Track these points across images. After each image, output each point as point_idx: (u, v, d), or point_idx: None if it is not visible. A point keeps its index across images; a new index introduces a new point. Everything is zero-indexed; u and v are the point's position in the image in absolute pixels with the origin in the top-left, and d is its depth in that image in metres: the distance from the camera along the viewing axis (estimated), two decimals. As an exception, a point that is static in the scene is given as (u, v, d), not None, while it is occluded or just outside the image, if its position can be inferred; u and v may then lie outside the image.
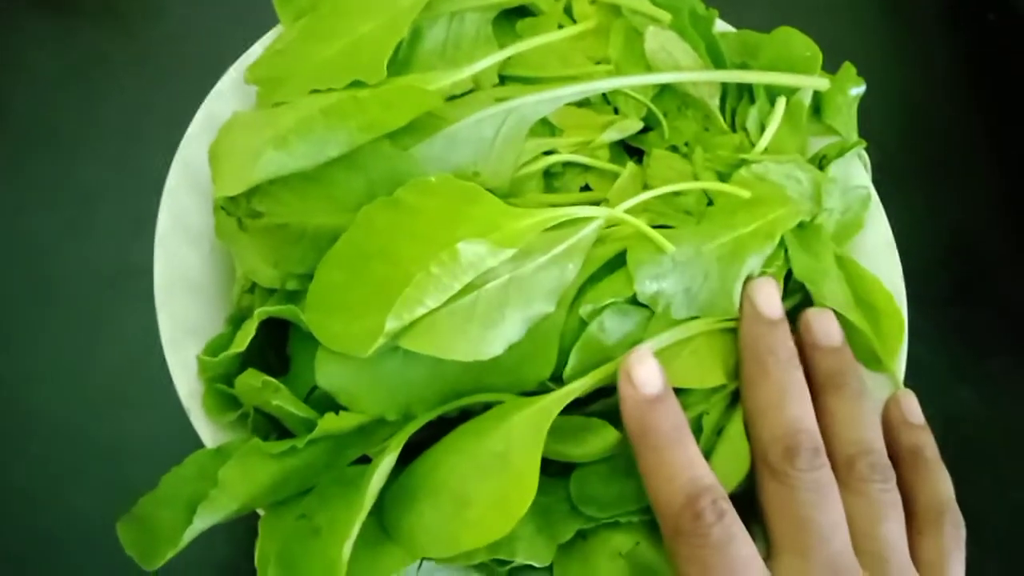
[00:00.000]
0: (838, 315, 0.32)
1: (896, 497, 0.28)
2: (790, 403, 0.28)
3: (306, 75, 0.31)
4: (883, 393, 0.33)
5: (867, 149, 0.37)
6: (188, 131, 0.34)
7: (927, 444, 0.31)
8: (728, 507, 0.26)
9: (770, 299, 0.30)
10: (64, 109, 0.49)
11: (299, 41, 0.33)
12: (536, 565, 0.27)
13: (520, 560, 0.27)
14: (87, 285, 0.45)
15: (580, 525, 0.28)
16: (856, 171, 0.36)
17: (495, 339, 0.27)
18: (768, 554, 0.27)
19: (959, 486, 0.47)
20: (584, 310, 0.29)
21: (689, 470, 0.26)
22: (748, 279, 0.31)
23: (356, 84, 0.30)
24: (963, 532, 0.29)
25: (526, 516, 0.25)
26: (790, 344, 0.29)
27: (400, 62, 0.32)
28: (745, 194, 0.31)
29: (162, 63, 0.51)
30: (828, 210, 0.34)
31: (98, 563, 0.38)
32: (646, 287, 0.29)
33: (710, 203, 0.33)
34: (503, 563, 0.28)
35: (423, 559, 0.28)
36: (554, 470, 0.28)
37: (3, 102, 0.49)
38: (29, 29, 0.51)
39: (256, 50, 0.36)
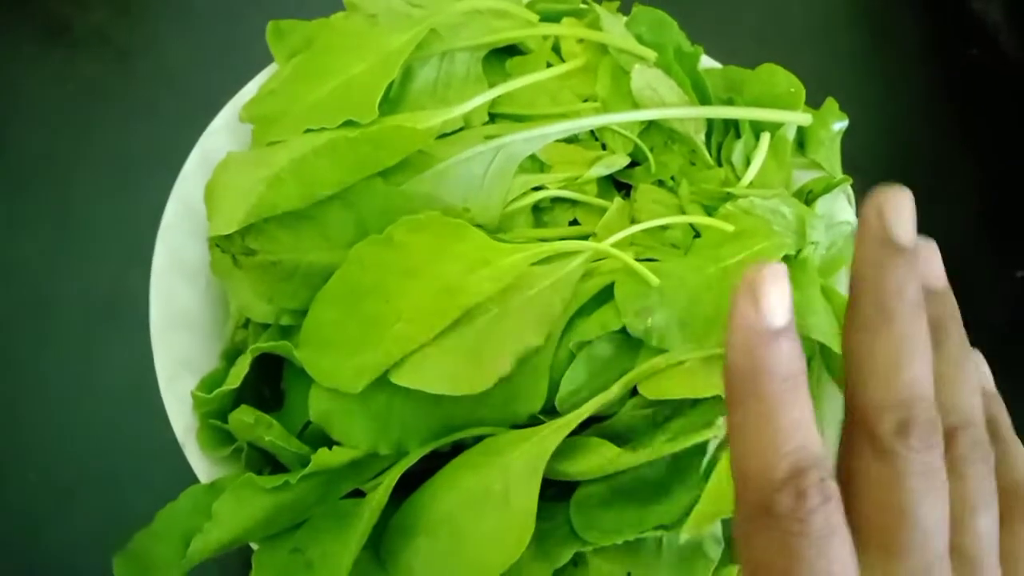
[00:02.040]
0: (825, 347, 0.33)
1: (994, 483, 0.23)
2: (911, 361, 0.22)
3: (299, 114, 0.32)
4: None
5: (851, 178, 0.38)
6: (184, 168, 0.35)
7: (1003, 418, 0.26)
8: (835, 491, 0.21)
9: (903, 216, 0.22)
10: (60, 139, 0.49)
11: (292, 80, 0.34)
12: None
13: None
14: (83, 313, 0.45)
15: (578, 548, 0.28)
16: (841, 206, 0.37)
17: (485, 373, 0.28)
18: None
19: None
20: (574, 344, 0.29)
21: (799, 435, 0.21)
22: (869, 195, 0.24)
23: (348, 123, 0.31)
24: None
25: None
26: (919, 287, 0.22)
27: (392, 101, 0.33)
28: (729, 228, 0.32)
29: (158, 95, 0.51)
30: (814, 243, 0.34)
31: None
32: (636, 323, 0.29)
33: (696, 236, 0.33)
34: None
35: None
36: (551, 493, 0.29)
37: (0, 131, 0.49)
38: (27, 60, 0.51)
39: (251, 88, 0.37)
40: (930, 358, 0.22)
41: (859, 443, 0.22)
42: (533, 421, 0.29)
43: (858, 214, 0.39)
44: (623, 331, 0.30)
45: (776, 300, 0.21)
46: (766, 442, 0.21)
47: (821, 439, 0.21)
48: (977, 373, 0.24)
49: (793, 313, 0.21)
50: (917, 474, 0.21)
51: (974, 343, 0.52)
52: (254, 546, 0.28)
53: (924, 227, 0.59)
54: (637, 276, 0.30)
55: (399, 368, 0.27)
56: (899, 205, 0.22)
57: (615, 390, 0.29)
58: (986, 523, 0.23)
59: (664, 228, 0.33)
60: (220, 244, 0.30)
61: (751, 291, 0.21)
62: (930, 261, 0.25)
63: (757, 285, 0.21)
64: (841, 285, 0.36)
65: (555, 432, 0.28)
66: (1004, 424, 0.26)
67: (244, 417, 0.28)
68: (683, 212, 0.34)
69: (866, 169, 0.38)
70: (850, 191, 0.39)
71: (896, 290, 0.22)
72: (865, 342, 0.22)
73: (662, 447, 0.29)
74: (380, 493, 0.27)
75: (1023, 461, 0.25)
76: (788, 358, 0.21)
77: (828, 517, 0.20)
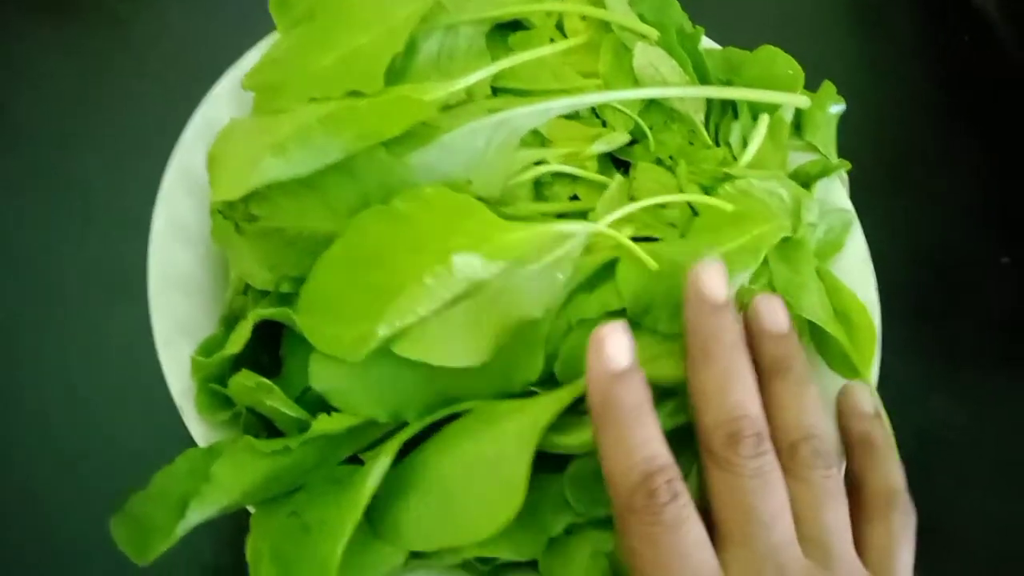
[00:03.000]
0: (816, 326, 0.33)
1: (839, 484, 0.28)
2: (733, 388, 0.27)
3: (303, 83, 0.32)
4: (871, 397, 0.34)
5: (848, 163, 0.38)
6: (184, 135, 0.35)
7: (877, 432, 0.31)
8: (683, 489, 0.26)
9: (714, 282, 0.28)
10: (61, 112, 0.49)
11: (296, 49, 0.34)
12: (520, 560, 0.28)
13: (505, 557, 0.28)
14: (82, 282, 0.45)
15: (570, 520, 0.29)
16: (838, 192, 0.37)
17: (484, 346, 0.28)
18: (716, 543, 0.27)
19: (931, 497, 0.48)
20: (576, 321, 0.30)
21: (647, 447, 0.26)
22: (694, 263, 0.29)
23: (353, 93, 0.31)
24: (913, 520, 0.29)
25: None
26: (736, 328, 0.28)
27: (396, 73, 0.33)
28: (728, 207, 0.32)
29: (160, 68, 0.51)
30: (811, 225, 0.35)
31: (94, 560, 0.39)
32: (635, 306, 0.30)
33: (695, 215, 0.33)
34: (486, 561, 0.28)
35: (409, 558, 0.28)
36: (546, 467, 0.29)
37: (1, 105, 0.49)
38: (28, 34, 0.51)
39: (253, 56, 0.37)
40: (753, 385, 0.28)
41: (705, 460, 0.28)
42: (529, 392, 0.30)
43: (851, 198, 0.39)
44: (621, 312, 0.31)
45: (616, 349, 0.27)
46: (623, 456, 0.26)
47: (668, 450, 0.26)
48: (816, 399, 0.29)
49: (635, 356, 0.27)
50: (749, 476, 0.26)
51: (965, 330, 0.53)
52: (251, 509, 0.29)
53: (916, 216, 0.60)
54: (637, 259, 0.31)
55: (401, 340, 0.27)
56: (710, 273, 0.29)
57: None
58: (832, 517, 0.27)
59: (662, 207, 0.34)
60: (222, 210, 0.30)
61: (596, 346, 0.27)
62: (774, 312, 0.30)
63: (601, 340, 0.27)
64: (837, 269, 0.36)
65: (551, 404, 0.29)
66: (879, 438, 0.31)
67: (245, 381, 0.28)
68: (681, 191, 0.34)
69: (858, 158, 0.39)
70: (845, 176, 0.39)
71: (713, 335, 0.28)
72: (696, 378, 0.28)
73: (669, 421, 0.30)
74: (380, 462, 0.27)
75: (894, 468, 0.30)
76: (633, 392, 0.27)
77: (678, 510, 0.25)
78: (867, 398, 0.32)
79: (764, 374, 0.29)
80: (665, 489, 0.25)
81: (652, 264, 0.30)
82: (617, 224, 0.31)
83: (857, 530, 0.28)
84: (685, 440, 0.29)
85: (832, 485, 0.27)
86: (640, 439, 0.26)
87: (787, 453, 0.28)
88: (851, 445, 0.31)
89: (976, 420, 0.50)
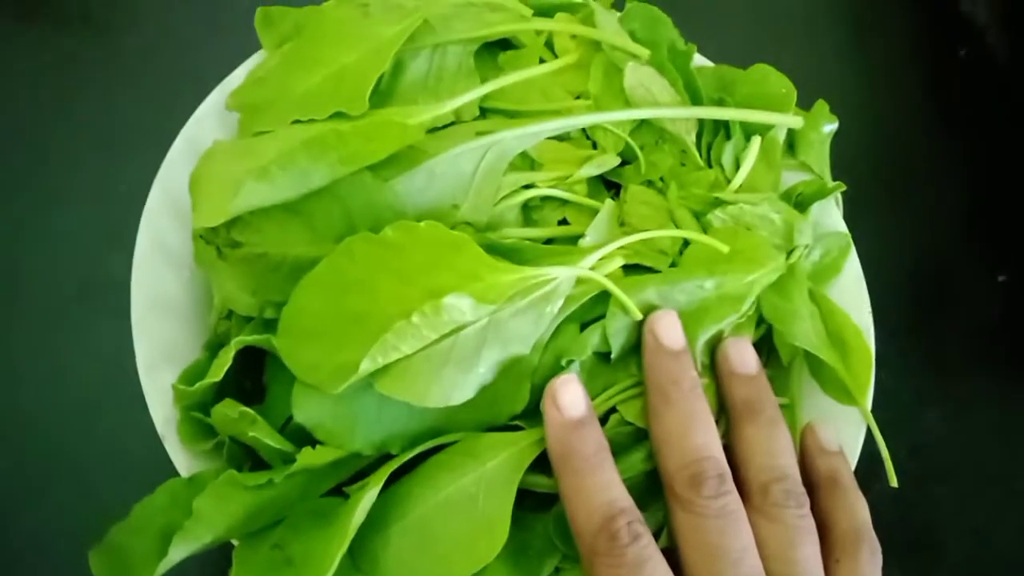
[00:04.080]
0: (809, 355, 0.33)
1: (811, 523, 0.29)
2: (694, 432, 0.28)
3: (288, 104, 0.32)
4: (855, 427, 0.34)
5: (838, 180, 0.38)
6: (168, 155, 0.34)
7: (843, 470, 0.32)
8: (644, 530, 0.26)
9: (671, 330, 0.30)
10: (38, 116, 0.49)
11: (281, 69, 0.33)
12: None
13: None
14: (57, 295, 0.44)
15: (558, 561, 0.28)
16: (832, 214, 0.37)
17: (468, 383, 0.28)
18: None
19: (926, 511, 0.48)
20: (565, 362, 0.30)
21: (607, 492, 0.27)
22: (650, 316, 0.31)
23: (338, 115, 0.31)
24: (879, 558, 0.30)
25: (502, 556, 0.26)
26: (692, 374, 0.29)
27: (382, 93, 0.32)
28: (724, 248, 0.32)
29: (138, 73, 0.50)
30: (804, 248, 0.34)
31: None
32: (620, 352, 0.30)
33: (686, 243, 0.33)
34: None
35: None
36: (531, 504, 0.29)
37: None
38: (12, 44, 0.50)
39: (238, 74, 0.36)
40: (713, 427, 0.29)
41: (670, 504, 0.28)
42: (514, 424, 0.29)
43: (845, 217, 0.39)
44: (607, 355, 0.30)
45: (570, 399, 0.28)
46: (584, 502, 0.27)
47: (627, 494, 0.27)
48: (787, 440, 0.30)
49: (590, 405, 0.28)
50: (714, 516, 0.27)
51: (957, 344, 0.53)
52: (234, 541, 0.28)
53: (909, 229, 0.59)
54: (624, 305, 0.30)
55: (383, 376, 0.27)
56: (666, 323, 0.30)
57: (596, 405, 0.30)
58: (804, 553, 0.28)
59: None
60: (204, 235, 0.30)
61: (552, 398, 0.28)
62: (742, 353, 0.31)
63: (555, 392, 0.28)
64: (830, 291, 0.36)
65: (534, 444, 0.29)
66: (845, 476, 0.31)
67: (228, 411, 0.28)
68: (672, 217, 0.34)
69: (852, 170, 0.39)
70: (838, 195, 0.39)
71: (672, 381, 0.29)
72: (658, 424, 0.29)
73: (639, 464, 0.30)
74: (367, 496, 0.27)
75: (860, 507, 0.31)
76: (590, 439, 0.28)
77: (640, 550, 0.26)
78: (832, 436, 0.33)
79: (734, 417, 0.30)
80: (626, 531, 0.26)
81: (637, 315, 0.30)
82: (607, 259, 0.31)
83: (825, 568, 0.29)
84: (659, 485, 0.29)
85: (805, 524, 0.28)
86: (599, 484, 0.27)
87: (758, 494, 0.28)
88: (817, 484, 0.31)
89: (970, 434, 0.50)
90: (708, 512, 0.27)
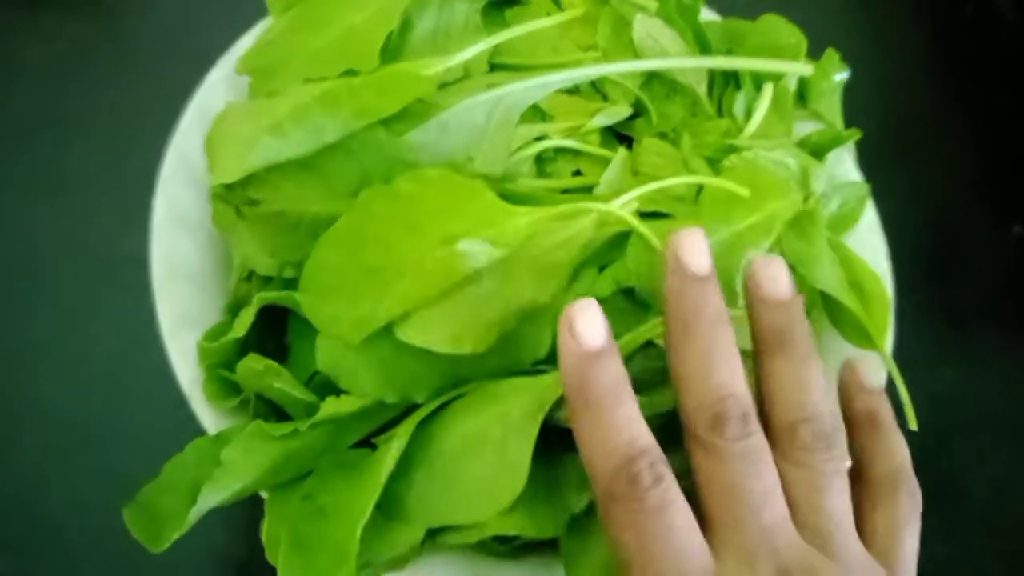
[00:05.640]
0: (829, 298, 0.33)
1: (841, 467, 0.26)
2: (716, 367, 0.25)
3: (299, 64, 0.32)
4: (875, 371, 0.33)
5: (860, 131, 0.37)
6: (181, 122, 0.35)
7: (883, 409, 0.30)
8: (667, 471, 0.24)
9: (696, 251, 0.26)
10: (53, 101, 0.49)
11: (290, 31, 0.34)
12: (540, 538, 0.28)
13: (525, 535, 0.27)
14: (80, 275, 0.45)
15: (590, 497, 0.28)
16: (848, 164, 0.37)
17: (489, 331, 0.28)
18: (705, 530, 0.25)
19: (946, 464, 0.48)
20: None
21: (627, 430, 0.24)
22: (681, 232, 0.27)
23: (349, 73, 0.31)
24: (919, 501, 0.28)
25: (533, 493, 0.26)
26: (719, 303, 0.26)
27: (391, 52, 0.32)
28: (745, 192, 0.31)
29: (150, 55, 0.51)
30: (823, 196, 0.34)
31: (96, 550, 0.38)
32: (646, 287, 0.29)
33: (700, 189, 0.33)
34: (505, 541, 0.28)
35: (426, 539, 0.28)
36: (566, 443, 0.28)
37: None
38: (16, 22, 0.50)
39: (245, 41, 0.36)
40: (738, 361, 0.25)
41: (690, 444, 0.26)
42: (537, 369, 0.30)
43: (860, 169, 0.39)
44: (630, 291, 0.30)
45: (588, 327, 0.25)
46: (601, 440, 0.24)
47: (649, 432, 0.25)
48: (818, 375, 0.27)
49: (610, 335, 0.25)
50: (737, 458, 0.25)
51: (973, 298, 0.53)
52: (264, 495, 0.28)
53: (921, 185, 0.59)
54: (646, 238, 0.30)
55: (404, 325, 0.27)
56: (691, 242, 0.26)
57: (625, 344, 0.29)
58: (833, 502, 0.25)
59: (668, 181, 0.33)
60: (222, 195, 0.30)
61: (568, 325, 0.25)
62: (777, 276, 0.27)
63: (571, 319, 0.25)
64: (847, 240, 0.36)
65: (556, 384, 0.28)
66: (884, 417, 0.29)
67: (254, 365, 0.28)
68: (686, 166, 0.34)
69: (863, 127, 0.38)
70: (851, 146, 0.39)
71: (694, 310, 0.26)
72: (677, 358, 0.26)
73: (672, 399, 0.28)
74: (395, 446, 0.27)
75: (900, 448, 0.29)
76: (609, 371, 0.25)
77: (662, 494, 0.24)
78: (872, 373, 0.30)
79: (762, 347, 0.27)
80: (647, 473, 0.24)
81: (659, 245, 0.29)
82: (624, 204, 0.30)
83: (860, 513, 0.27)
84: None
85: (833, 468, 0.26)
86: (619, 421, 0.25)
87: (785, 435, 0.26)
88: (854, 423, 0.29)
89: (987, 387, 0.50)
90: (731, 454, 0.25)
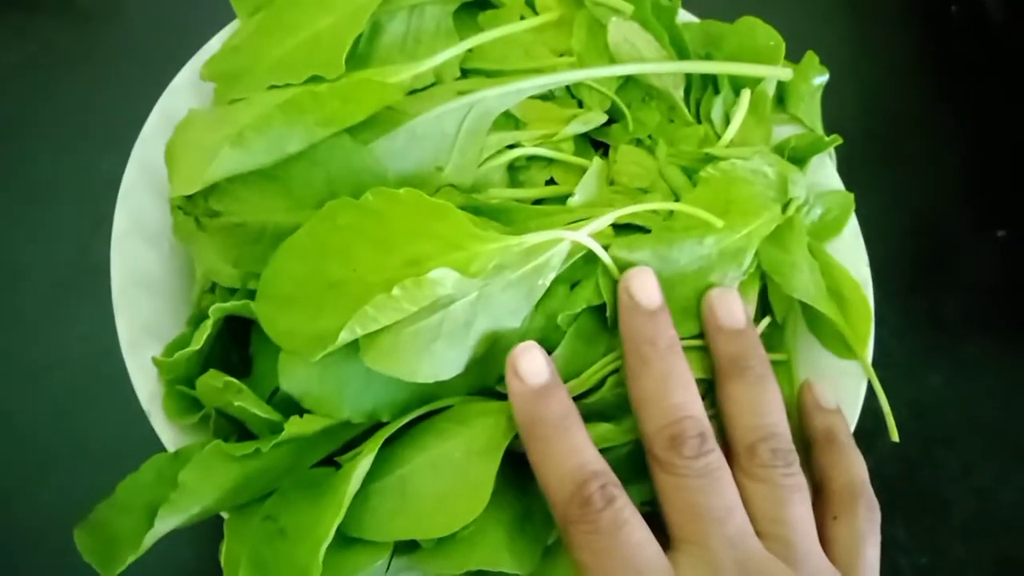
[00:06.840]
0: (809, 307, 0.32)
1: (801, 481, 0.28)
2: (672, 391, 0.27)
3: (263, 71, 0.31)
4: (855, 382, 0.33)
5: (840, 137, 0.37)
6: (144, 130, 0.34)
7: (840, 427, 0.31)
8: (619, 492, 0.25)
9: (646, 288, 0.28)
10: (18, 104, 0.48)
11: (256, 36, 0.33)
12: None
13: (506, 571, 0.27)
14: (45, 283, 0.44)
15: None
16: (829, 171, 0.36)
17: (459, 357, 0.27)
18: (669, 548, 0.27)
19: (929, 471, 0.47)
20: (561, 319, 0.29)
21: (576, 456, 0.26)
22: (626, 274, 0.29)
23: (314, 79, 0.30)
24: (878, 515, 0.29)
25: (506, 522, 0.25)
26: (670, 332, 0.28)
27: (359, 57, 0.32)
28: (718, 223, 0.30)
29: (118, 59, 0.50)
30: (805, 204, 0.34)
31: (60, 565, 0.37)
32: (613, 313, 0.29)
33: (677, 199, 0.32)
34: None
35: (391, 560, 0.27)
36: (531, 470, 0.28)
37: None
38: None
39: (213, 44, 0.35)
40: (692, 386, 0.28)
41: (652, 466, 0.27)
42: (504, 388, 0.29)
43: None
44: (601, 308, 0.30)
45: (531, 366, 0.27)
46: (554, 468, 0.26)
47: (599, 456, 0.26)
48: (775, 396, 0.29)
49: (553, 369, 0.27)
50: (697, 475, 0.26)
51: (957, 303, 0.52)
52: (224, 515, 0.28)
53: (905, 189, 0.58)
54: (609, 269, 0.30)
55: (370, 351, 0.26)
56: (641, 281, 0.28)
57: (591, 374, 0.29)
58: (794, 513, 0.27)
59: (645, 191, 0.33)
60: (182, 206, 0.29)
61: (513, 369, 0.27)
62: (730, 305, 0.30)
63: (515, 362, 0.27)
64: (828, 247, 0.35)
65: None
66: (842, 433, 0.31)
67: (212, 381, 0.27)
68: (662, 175, 0.33)
69: (843, 129, 0.38)
70: (832, 151, 0.38)
71: (648, 340, 0.28)
72: (636, 386, 0.28)
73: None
74: (360, 465, 0.26)
75: (858, 464, 0.30)
76: (555, 404, 0.27)
77: (615, 514, 0.25)
78: (829, 393, 0.32)
79: (721, 373, 0.29)
80: (599, 495, 0.25)
81: (618, 276, 0.29)
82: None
83: (822, 526, 0.28)
84: None
85: (794, 483, 0.27)
86: (568, 449, 0.26)
87: (745, 454, 0.27)
88: (814, 441, 0.31)
89: (973, 393, 0.49)
90: (690, 472, 0.26)
